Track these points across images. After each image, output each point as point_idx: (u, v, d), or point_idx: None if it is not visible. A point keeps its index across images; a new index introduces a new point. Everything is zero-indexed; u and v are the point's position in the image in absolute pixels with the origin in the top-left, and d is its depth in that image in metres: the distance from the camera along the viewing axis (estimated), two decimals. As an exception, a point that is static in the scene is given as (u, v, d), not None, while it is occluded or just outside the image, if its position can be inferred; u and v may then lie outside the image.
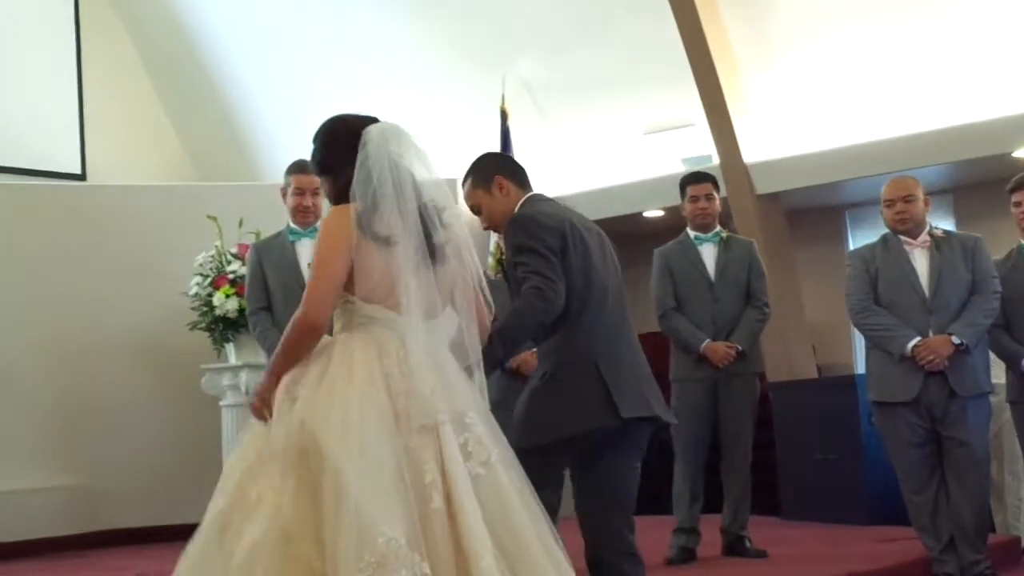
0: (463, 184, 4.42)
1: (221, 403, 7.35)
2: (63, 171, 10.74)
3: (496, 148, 9.53)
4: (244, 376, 7.13)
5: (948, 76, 8.22)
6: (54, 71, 10.97)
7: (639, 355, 4.23)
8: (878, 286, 5.69)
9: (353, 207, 3.29)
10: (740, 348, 6.32)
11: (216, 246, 7.24)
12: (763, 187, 9.00)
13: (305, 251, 5.70)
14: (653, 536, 6.97)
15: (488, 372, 3.57)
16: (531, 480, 3.32)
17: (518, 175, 4.39)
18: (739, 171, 8.96)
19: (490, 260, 7.76)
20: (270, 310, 5.84)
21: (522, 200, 4.28)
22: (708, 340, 6.34)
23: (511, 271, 4.11)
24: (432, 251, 3.32)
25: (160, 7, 11.28)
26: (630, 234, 11.13)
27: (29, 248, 8.54)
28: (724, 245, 6.52)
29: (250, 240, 7.07)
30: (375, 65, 10.29)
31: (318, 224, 5.46)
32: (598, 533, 4.11)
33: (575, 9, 9.31)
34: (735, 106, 8.88)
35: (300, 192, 5.81)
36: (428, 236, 3.31)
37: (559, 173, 9.90)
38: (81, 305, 8.36)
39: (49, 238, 8.55)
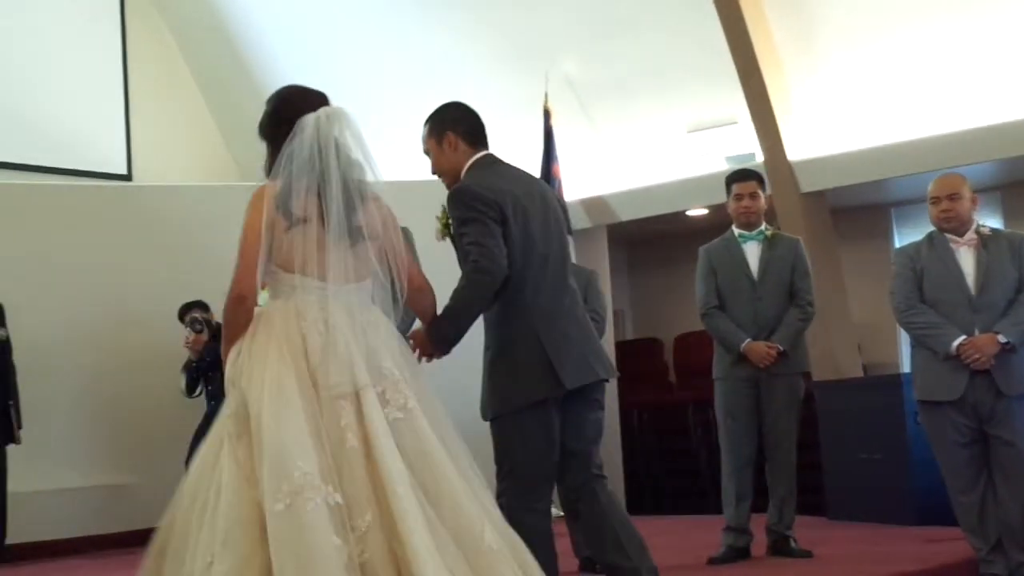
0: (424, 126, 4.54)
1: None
2: (109, 172, 10.83)
3: (539, 147, 9.55)
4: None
5: (996, 73, 8.13)
6: (101, 75, 11.07)
7: (581, 321, 4.38)
8: (923, 284, 5.63)
9: (271, 187, 3.60)
10: (781, 348, 6.28)
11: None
12: (807, 185, 8.94)
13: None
14: (703, 535, 6.98)
15: (441, 351, 4.07)
16: (518, 439, 4.09)
17: (472, 134, 4.49)
18: (783, 169, 8.90)
19: (437, 224, 7.62)
20: None
21: (471, 161, 4.41)
22: (748, 340, 6.31)
23: (459, 242, 4.25)
24: (351, 229, 3.59)
25: (204, 10, 11.35)
26: (673, 233, 11.12)
27: (77, 247, 8.64)
28: (768, 243, 6.47)
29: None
30: (417, 64, 10.30)
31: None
32: (568, 474, 4.37)
33: (619, 7, 9.28)
34: (779, 103, 8.82)
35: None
36: (348, 216, 3.59)
37: (602, 172, 9.88)
38: (127, 304, 8.43)
39: (96, 237, 8.64)
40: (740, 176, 6.62)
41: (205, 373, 8.22)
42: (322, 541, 3.24)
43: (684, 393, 11.06)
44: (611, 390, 9.76)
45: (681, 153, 9.52)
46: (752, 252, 6.48)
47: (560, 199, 4.71)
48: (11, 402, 6.35)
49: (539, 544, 3.83)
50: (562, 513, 5.78)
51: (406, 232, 4.27)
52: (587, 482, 4.41)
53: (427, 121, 4.53)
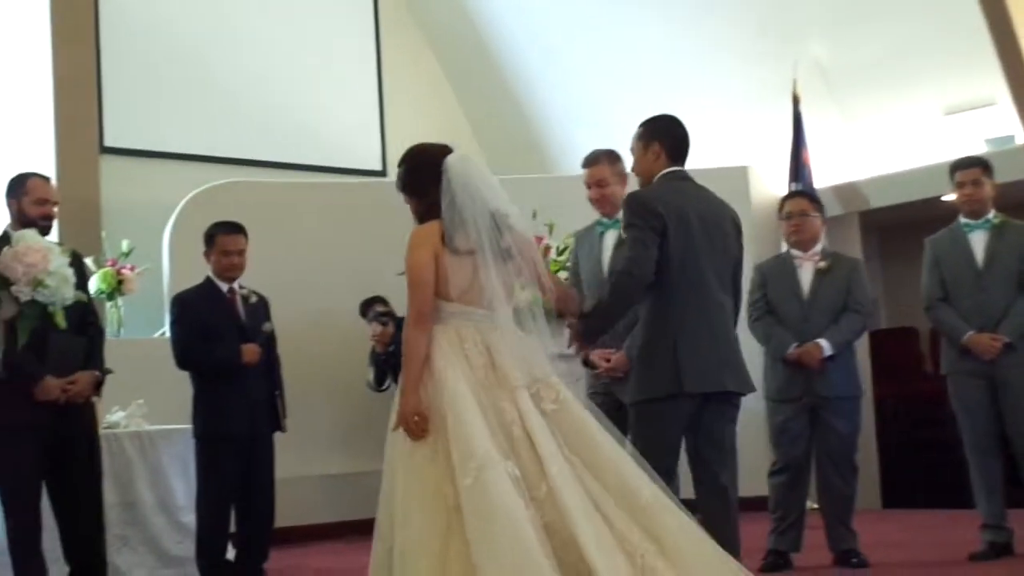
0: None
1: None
2: (365, 168, 11.20)
3: (788, 133, 9.43)
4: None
5: None
6: (356, 76, 11.48)
7: (722, 337, 4.78)
8: None
9: (439, 224, 4.16)
10: (1007, 340, 6.05)
11: (511, 238, 7.39)
12: (1072, 166, 8.56)
13: (609, 241, 5.96)
14: (962, 530, 6.79)
15: (591, 341, 4.84)
16: (648, 426, 4.70)
17: (676, 149, 4.90)
18: (1046, 150, 8.56)
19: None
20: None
21: (664, 172, 4.88)
22: (971, 332, 6.12)
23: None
24: (501, 252, 4.16)
25: (456, 9, 11.61)
26: (929, 219, 10.79)
27: (334, 241, 8.99)
28: (996, 231, 6.26)
29: (544, 232, 7.19)
30: (663, 51, 10.30)
31: (619, 216, 5.77)
32: (695, 473, 4.85)
33: (869, -11, 9.09)
34: (1040, 82, 8.49)
35: (587, 185, 6.03)
36: (498, 241, 4.15)
37: (854, 157, 9.68)
38: (380, 295, 8.71)
39: (352, 232, 8.98)
40: (962, 164, 6.47)
41: (393, 366, 8.32)
42: (509, 502, 3.83)
43: (942, 383, 10.75)
44: (864, 381, 9.59)
45: (936, 136, 9.24)
46: (978, 241, 6.29)
47: (736, 222, 5.04)
48: (277, 392, 6.64)
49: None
50: (816, 505, 5.81)
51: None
52: (709, 488, 4.79)
53: (643, 124, 4.98)
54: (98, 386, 5.68)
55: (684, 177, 4.89)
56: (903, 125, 9.42)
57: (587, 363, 6.04)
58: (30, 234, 4.89)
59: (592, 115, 10.86)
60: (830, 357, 6.20)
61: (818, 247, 6.49)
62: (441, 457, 4.01)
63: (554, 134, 11.38)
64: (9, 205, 5.75)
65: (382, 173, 11.29)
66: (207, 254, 6.55)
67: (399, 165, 4.46)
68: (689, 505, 4.28)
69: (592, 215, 6.05)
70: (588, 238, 6.09)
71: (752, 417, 6.47)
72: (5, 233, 5.62)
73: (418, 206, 4.32)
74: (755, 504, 6.68)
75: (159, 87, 10.30)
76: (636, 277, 4.66)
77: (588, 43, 10.72)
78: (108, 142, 9.96)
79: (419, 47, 11.94)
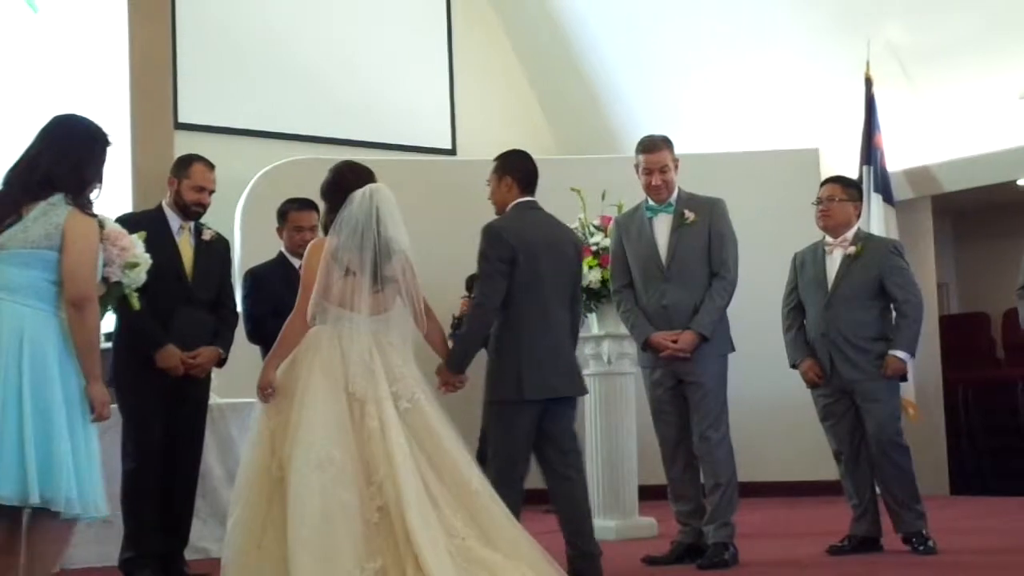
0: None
1: (584, 372, 7.50)
2: (435, 147, 11.26)
3: (860, 115, 9.35)
4: (606, 346, 7.27)
5: None
6: (427, 54, 11.53)
7: (561, 347, 5.44)
8: None
9: (330, 241, 4.87)
10: None
11: (580, 218, 7.40)
12: None
13: (661, 226, 6.07)
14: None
15: (460, 370, 5.30)
16: (498, 424, 5.33)
17: (525, 182, 5.56)
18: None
19: None
20: (632, 287, 6.19)
21: (515, 202, 5.51)
22: None
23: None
24: (381, 277, 4.85)
25: (526, -13, 11.62)
26: (1003, 204, 10.69)
27: (404, 219, 9.01)
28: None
29: (612, 212, 7.19)
30: (731, 32, 10.24)
31: (672, 199, 6.08)
32: (542, 469, 5.49)
33: (945, -30, 8.98)
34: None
35: (648, 171, 6.06)
36: (378, 268, 4.85)
37: (926, 141, 9.58)
38: (452, 274, 8.75)
39: (423, 209, 9.00)
40: None
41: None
42: (333, 504, 4.49)
43: (1013, 369, 10.65)
44: (933, 366, 9.52)
45: (1011, 120, 9.12)
46: None
47: (577, 246, 5.68)
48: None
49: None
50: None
51: None
52: (553, 479, 5.46)
53: (497, 159, 5.64)
54: (220, 363, 5.98)
55: (533, 207, 5.53)
56: (978, 109, 9.31)
57: (647, 347, 6.05)
58: (110, 220, 5.04)
59: (661, 97, 10.84)
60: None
61: (849, 232, 6.39)
62: (277, 434, 4.72)
63: (623, 115, 11.35)
64: (170, 183, 5.99)
65: (452, 152, 11.34)
66: (280, 230, 6.62)
67: (328, 172, 5.14)
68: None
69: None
70: (635, 223, 6.13)
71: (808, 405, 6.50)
72: (158, 207, 6.01)
73: (325, 217, 5.04)
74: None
75: (233, 64, 10.43)
76: (487, 308, 5.32)
77: (658, 25, 10.68)
78: (182, 118, 10.10)
79: (491, 26, 11.96)
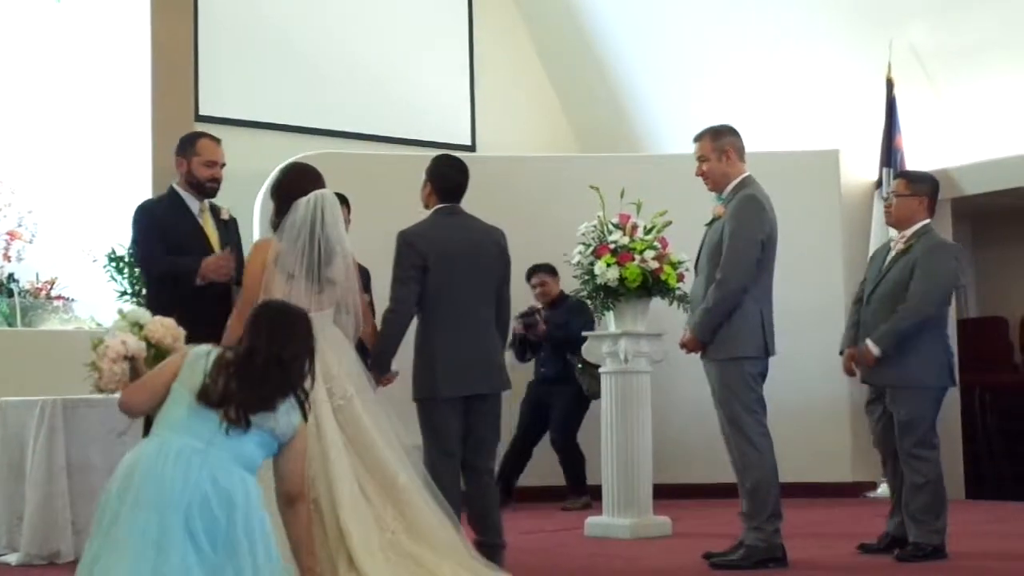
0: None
1: (601, 370, 7.50)
2: (455, 143, 11.25)
3: (881, 117, 9.32)
4: (623, 344, 7.25)
5: None
6: (448, 51, 11.53)
7: (481, 345, 5.63)
8: None
9: (274, 245, 5.07)
10: None
11: (599, 216, 7.40)
12: None
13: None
14: None
15: (383, 371, 5.50)
16: (423, 420, 5.56)
17: (445, 191, 5.81)
18: None
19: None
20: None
21: (435, 208, 5.74)
22: None
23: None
24: (320, 280, 5.06)
25: (547, -16, 11.60)
26: (1022, 208, 10.64)
27: (424, 215, 9.00)
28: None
29: (631, 211, 7.19)
30: (752, 33, 10.21)
31: (726, 190, 6.16)
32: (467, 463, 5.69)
33: (970, -28, 8.93)
34: None
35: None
36: (320, 271, 5.05)
37: (947, 143, 9.55)
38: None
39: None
40: None
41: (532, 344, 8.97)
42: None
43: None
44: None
45: (1032, 124, 9.09)
46: None
47: (500, 245, 5.86)
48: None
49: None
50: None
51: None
52: (469, 472, 5.67)
53: (425, 172, 5.81)
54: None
55: (452, 212, 5.76)
56: (999, 111, 9.27)
57: None
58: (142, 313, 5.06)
59: (681, 96, 10.81)
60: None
61: (910, 229, 6.24)
62: None
63: (643, 114, 11.33)
64: (178, 164, 5.92)
65: (472, 148, 11.34)
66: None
67: (279, 169, 5.38)
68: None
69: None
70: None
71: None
72: (171, 190, 5.92)
73: (273, 216, 5.22)
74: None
75: (254, 57, 10.44)
76: (399, 313, 5.52)
77: (680, 24, 10.66)
78: (203, 111, 10.10)
79: (511, 22, 11.95)
